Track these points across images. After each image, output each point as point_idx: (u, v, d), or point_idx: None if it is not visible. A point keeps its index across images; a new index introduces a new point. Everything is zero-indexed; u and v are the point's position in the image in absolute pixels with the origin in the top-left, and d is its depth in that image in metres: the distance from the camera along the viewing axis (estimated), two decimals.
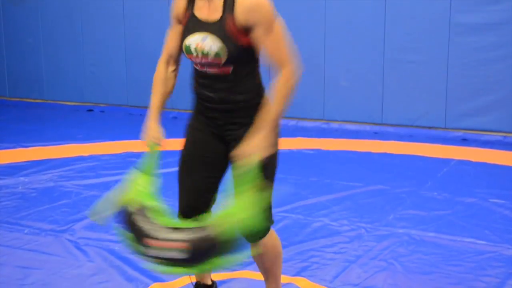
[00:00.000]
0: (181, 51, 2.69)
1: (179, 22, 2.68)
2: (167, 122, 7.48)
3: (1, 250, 3.78)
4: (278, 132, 2.67)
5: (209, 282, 3.05)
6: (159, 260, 2.44)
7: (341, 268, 3.50)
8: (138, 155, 5.99)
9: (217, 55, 2.54)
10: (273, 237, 2.78)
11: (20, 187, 5.01)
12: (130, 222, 2.51)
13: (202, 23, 2.58)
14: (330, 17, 7.14)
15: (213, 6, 2.56)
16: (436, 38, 6.69)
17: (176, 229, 2.44)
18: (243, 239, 2.45)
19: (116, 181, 5.13)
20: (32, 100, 8.95)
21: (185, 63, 2.76)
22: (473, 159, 5.80)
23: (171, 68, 2.78)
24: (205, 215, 2.66)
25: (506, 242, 3.82)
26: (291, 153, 6.07)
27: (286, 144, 6.45)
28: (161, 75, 2.76)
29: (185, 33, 2.64)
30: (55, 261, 3.61)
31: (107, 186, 5.02)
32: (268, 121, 2.50)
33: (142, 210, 2.51)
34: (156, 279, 3.36)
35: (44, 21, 8.67)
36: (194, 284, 3.04)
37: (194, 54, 2.60)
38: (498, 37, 6.45)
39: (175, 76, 2.80)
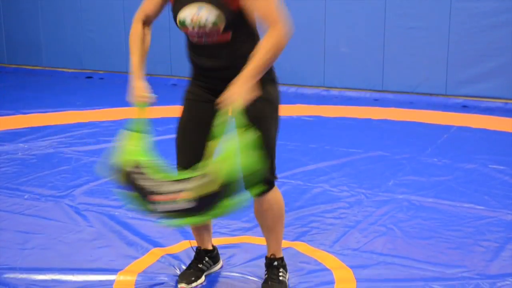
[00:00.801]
0: (157, 16, 2.71)
1: None
2: (167, 89, 7.49)
3: (1, 215, 3.79)
4: (278, 90, 2.72)
5: (210, 247, 3.06)
6: (169, 214, 2.44)
7: (341, 233, 3.50)
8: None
9: (214, 24, 2.51)
10: (277, 194, 2.79)
11: (19, 154, 5.01)
12: (130, 182, 2.51)
13: None
14: None
15: None
16: (437, 4, 6.63)
17: (177, 181, 2.44)
18: (246, 182, 2.43)
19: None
20: (30, 67, 8.90)
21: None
22: (474, 126, 5.79)
23: (146, 27, 2.76)
24: (201, 164, 2.65)
25: (506, 208, 3.82)
26: (291, 120, 6.06)
27: (286, 111, 6.43)
28: (139, 33, 2.72)
29: (176, 6, 2.59)
30: (55, 226, 3.62)
31: (107, 152, 5.01)
32: (249, 71, 2.45)
33: (139, 168, 2.51)
34: (156, 244, 3.37)
35: None
36: (194, 248, 3.05)
37: (190, 28, 2.56)
38: (500, 2, 6.39)
39: (150, 34, 2.79)
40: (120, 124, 5.88)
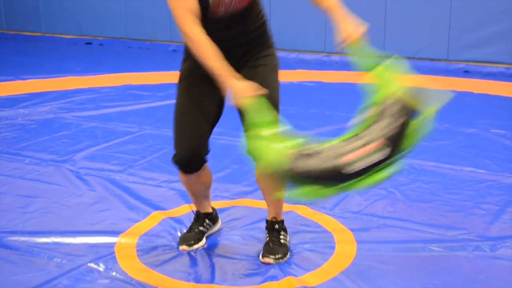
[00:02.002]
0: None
1: None
2: (167, 55, 7.45)
3: (3, 179, 3.79)
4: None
5: (210, 210, 3.07)
6: (365, 172, 2.23)
7: (341, 196, 3.49)
8: (137, 87, 5.97)
9: None
10: None
11: (19, 119, 5.00)
12: (304, 174, 2.26)
13: None
14: None
15: None
16: None
17: (353, 137, 2.27)
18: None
19: (116, 113, 5.13)
20: (29, 33, 8.84)
21: None
22: (475, 91, 5.76)
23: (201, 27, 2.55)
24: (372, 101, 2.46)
25: (506, 171, 3.82)
26: (291, 86, 6.03)
27: (286, 76, 6.39)
28: (205, 38, 2.49)
29: None
30: (56, 190, 3.63)
31: (107, 118, 5.01)
32: (340, 4, 2.60)
33: (301, 154, 2.29)
34: (157, 207, 3.38)
35: None
36: (194, 212, 3.06)
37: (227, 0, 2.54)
38: None
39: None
40: (120, 90, 5.88)
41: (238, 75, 2.53)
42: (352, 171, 2.23)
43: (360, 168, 2.23)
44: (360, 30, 2.53)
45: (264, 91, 2.50)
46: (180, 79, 2.76)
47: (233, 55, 2.62)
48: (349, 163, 2.23)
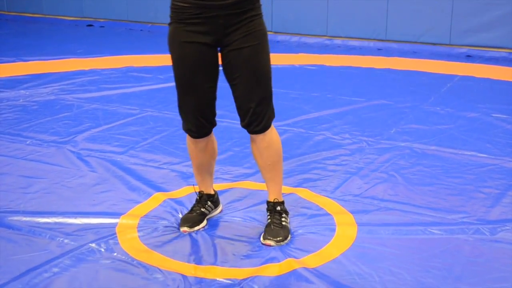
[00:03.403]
0: None
1: None
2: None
3: (4, 160, 3.80)
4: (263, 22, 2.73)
5: (212, 192, 3.07)
6: None
7: (342, 179, 3.51)
8: (139, 69, 5.96)
9: None
10: (274, 131, 2.84)
11: (21, 100, 5.00)
12: None
13: None
14: None
15: None
16: None
17: None
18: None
19: (117, 95, 5.13)
20: (30, 15, 8.81)
21: None
22: (477, 75, 5.75)
23: None
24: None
25: (508, 155, 3.82)
26: (293, 69, 6.02)
27: (288, 59, 6.39)
28: None
29: None
30: (57, 171, 3.63)
31: (108, 100, 5.01)
32: None
33: None
34: (158, 188, 3.39)
35: None
36: (197, 193, 3.06)
37: None
38: None
39: None
40: (121, 72, 5.87)
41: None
42: None
43: None
44: None
45: None
46: (169, 43, 2.74)
47: (218, 17, 2.62)
48: None
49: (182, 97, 2.77)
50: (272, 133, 2.82)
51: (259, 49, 2.69)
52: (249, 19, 2.66)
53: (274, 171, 2.88)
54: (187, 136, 2.89)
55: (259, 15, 2.71)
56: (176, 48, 2.71)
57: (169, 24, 2.73)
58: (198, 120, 2.80)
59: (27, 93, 5.18)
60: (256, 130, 2.77)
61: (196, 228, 2.96)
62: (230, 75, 2.72)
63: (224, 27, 2.64)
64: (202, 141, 2.88)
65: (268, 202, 2.94)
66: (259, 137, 2.79)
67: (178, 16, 2.66)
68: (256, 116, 2.73)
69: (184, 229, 2.94)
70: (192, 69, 2.71)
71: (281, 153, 2.89)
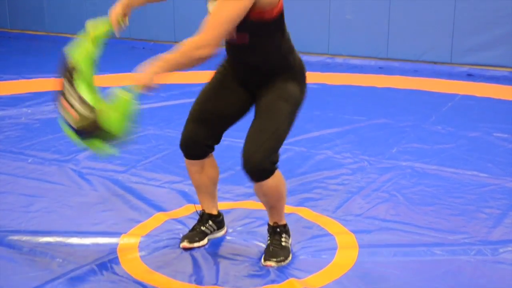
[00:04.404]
0: None
1: None
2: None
3: (5, 178, 3.80)
4: (302, 88, 2.84)
5: (215, 212, 3.07)
6: (63, 121, 2.53)
7: (344, 199, 3.51)
8: None
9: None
10: (275, 179, 2.70)
11: (23, 118, 5.01)
12: (64, 75, 2.57)
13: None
14: None
15: None
16: None
17: (83, 101, 2.47)
18: (120, 136, 2.52)
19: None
20: (33, 32, 8.85)
21: None
22: (478, 94, 5.76)
23: None
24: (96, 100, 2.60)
25: (509, 175, 3.82)
26: None
27: None
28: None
29: None
30: (59, 190, 3.64)
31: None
32: (160, 59, 2.47)
33: (74, 71, 2.55)
34: (160, 208, 3.38)
35: None
36: (199, 212, 3.06)
37: None
38: None
39: None
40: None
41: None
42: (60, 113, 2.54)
43: (61, 114, 2.53)
44: (139, 78, 2.53)
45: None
46: (215, 72, 2.86)
47: (251, 81, 2.75)
48: (60, 105, 2.54)
49: (191, 111, 2.84)
50: (272, 181, 2.69)
51: (280, 102, 2.69)
52: (284, 77, 2.74)
53: (275, 208, 2.85)
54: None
55: (293, 79, 2.77)
56: (220, 73, 2.84)
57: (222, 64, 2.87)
58: (189, 140, 2.82)
59: (29, 111, 5.20)
60: (254, 179, 2.67)
61: (196, 244, 2.95)
62: (256, 113, 2.77)
63: (252, 82, 2.77)
64: (196, 163, 2.89)
65: (268, 225, 2.94)
66: (258, 184, 2.70)
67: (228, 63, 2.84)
68: (256, 166, 2.63)
69: (184, 244, 2.94)
70: (224, 88, 2.82)
71: (283, 195, 2.81)
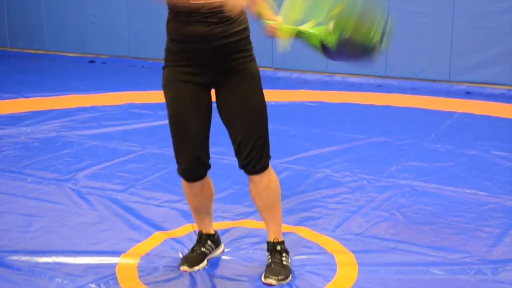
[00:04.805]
0: None
1: None
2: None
3: (4, 198, 3.80)
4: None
5: (212, 232, 3.06)
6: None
7: (343, 218, 3.51)
8: (140, 106, 5.99)
9: None
10: (272, 172, 2.84)
11: (22, 137, 5.01)
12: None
13: None
14: None
15: None
16: None
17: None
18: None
19: (118, 132, 5.14)
20: (32, 51, 8.88)
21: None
22: (477, 112, 5.78)
23: None
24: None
25: (508, 194, 3.82)
26: (293, 105, 6.04)
27: (289, 96, 6.42)
28: None
29: None
30: (58, 209, 3.63)
31: (109, 136, 5.02)
32: None
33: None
34: (159, 227, 3.38)
35: None
36: (197, 232, 3.06)
37: None
38: None
39: None
40: (122, 108, 5.89)
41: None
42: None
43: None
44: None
45: None
46: (164, 84, 2.78)
47: (210, 59, 2.66)
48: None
49: (176, 138, 2.78)
50: (270, 173, 2.83)
51: (253, 89, 2.72)
52: (240, 60, 2.69)
53: (273, 211, 2.88)
54: (183, 180, 2.88)
55: (250, 57, 2.74)
56: (170, 88, 2.75)
57: (164, 67, 2.77)
58: (192, 162, 2.78)
59: (28, 130, 5.20)
60: (255, 170, 2.77)
61: (196, 268, 2.94)
62: (226, 115, 2.74)
63: (215, 69, 2.68)
64: (197, 185, 2.87)
65: (268, 242, 2.94)
66: (258, 177, 2.80)
67: (172, 58, 2.71)
68: (254, 155, 2.74)
69: (184, 268, 2.93)
70: (186, 108, 2.73)
71: (280, 193, 2.89)
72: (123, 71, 7.89)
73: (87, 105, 6.04)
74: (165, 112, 5.70)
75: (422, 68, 6.84)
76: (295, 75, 7.26)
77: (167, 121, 5.30)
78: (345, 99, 6.34)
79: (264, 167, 2.78)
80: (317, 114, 5.79)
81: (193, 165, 2.79)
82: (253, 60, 2.76)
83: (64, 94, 6.50)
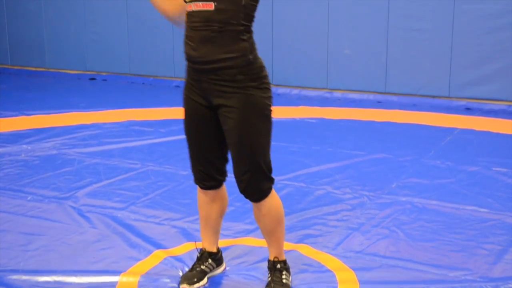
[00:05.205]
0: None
1: None
2: (170, 90, 7.49)
3: (4, 216, 3.79)
4: (270, 90, 2.71)
5: (215, 250, 3.05)
6: None
7: (344, 235, 3.50)
8: (140, 123, 6.00)
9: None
10: (274, 198, 2.80)
11: (22, 155, 5.01)
12: None
13: None
14: None
15: None
16: (441, 5, 6.63)
17: None
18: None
19: (119, 149, 5.14)
20: (33, 69, 8.91)
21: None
22: (477, 128, 5.78)
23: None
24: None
25: (509, 210, 3.81)
26: (294, 122, 6.05)
27: (289, 112, 6.43)
28: None
29: None
30: (58, 228, 3.63)
31: (110, 154, 5.02)
32: None
33: None
34: (159, 246, 3.37)
35: None
36: (199, 250, 3.05)
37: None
38: (503, 4, 6.39)
39: None
40: (123, 126, 5.90)
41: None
42: None
43: None
44: None
45: None
46: (183, 98, 2.83)
47: (203, 83, 2.66)
48: None
49: (189, 148, 2.86)
50: (271, 200, 2.78)
51: (247, 121, 2.64)
52: (242, 89, 2.62)
53: (274, 235, 2.87)
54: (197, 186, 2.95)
55: (253, 87, 2.64)
56: (184, 103, 2.81)
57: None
58: (199, 174, 2.86)
59: (29, 147, 5.21)
60: (251, 199, 2.77)
61: (196, 285, 2.93)
62: (226, 138, 2.75)
63: (211, 92, 2.67)
64: (209, 193, 2.92)
65: (268, 261, 2.93)
66: (256, 205, 2.79)
67: (187, 73, 2.78)
68: (247, 186, 2.72)
69: (184, 286, 2.92)
70: (193, 125, 2.79)
71: (282, 217, 2.87)
72: (123, 88, 7.91)
73: (88, 122, 6.05)
74: (165, 129, 5.78)
75: (422, 84, 6.86)
76: (295, 91, 7.28)
77: (167, 138, 5.41)
78: (345, 116, 6.35)
79: (261, 197, 2.75)
80: (317, 130, 5.80)
81: (200, 176, 2.86)
82: (256, 90, 2.64)
83: (64, 112, 6.52)
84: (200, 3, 2.58)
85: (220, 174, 2.87)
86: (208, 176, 2.85)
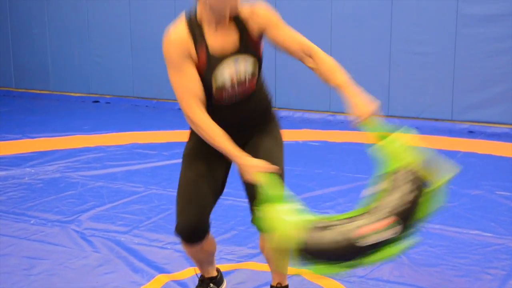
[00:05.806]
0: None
1: (192, 61, 2.53)
2: (173, 113, 7.51)
3: (8, 240, 3.79)
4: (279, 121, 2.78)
5: (215, 274, 3.05)
6: (378, 246, 2.21)
7: None
8: (143, 146, 6.01)
9: (253, 74, 2.56)
10: None
11: (26, 178, 5.02)
12: (317, 248, 2.25)
13: (222, 53, 2.52)
14: (337, 8, 7.11)
15: (227, 33, 2.53)
16: (443, 29, 6.66)
17: (365, 212, 2.25)
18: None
19: (122, 172, 5.15)
20: (37, 91, 8.95)
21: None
22: (480, 151, 5.78)
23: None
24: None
25: None
26: (296, 145, 6.06)
27: (292, 135, 6.44)
28: (210, 122, 2.48)
29: (209, 70, 2.50)
30: (61, 252, 3.62)
31: (113, 177, 5.03)
32: (350, 80, 2.59)
33: (314, 226, 2.26)
34: (162, 270, 3.37)
35: (50, 11, 8.67)
36: (199, 276, 3.04)
37: (230, 89, 2.54)
38: (505, 28, 6.42)
39: None
40: (126, 149, 5.92)
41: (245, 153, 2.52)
42: (365, 244, 2.20)
43: (373, 242, 2.20)
44: (372, 107, 2.52)
45: (275, 167, 2.47)
46: (185, 154, 2.74)
47: (238, 135, 2.63)
48: (363, 236, 2.20)
49: (183, 190, 2.70)
50: None
51: (272, 144, 2.73)
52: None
53: (282, 266, 2.85)
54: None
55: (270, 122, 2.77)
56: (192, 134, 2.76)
57: (189, 140, 2.79)
58: (189, 222, 2.65)
59: (33, 170, 5.22)
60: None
61: None
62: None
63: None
64: (196, 245, 2.75)
65: (271, 286, 2.92)
66: (266, 235, 2.70)
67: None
68: None
69: None
70: (205, 161, 2.69)
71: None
72: (127, 111, 7.94)
73: (91, 145, 6.07)
74: (168, 152, 5.78)
75: (425, 107, 6.87)
76: (297, 114, 7.30)
77: (170, 161, 5.40)
78: (348, 139, 6.36)
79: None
80: (320, 153, 5.80)
81: (191, 230, 2.67)
82: (277, 127, 2.82)
83: (68, 135, 6.54)
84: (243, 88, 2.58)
85: (208, 226, 2.73)
86: (197, 229, 2.66)
